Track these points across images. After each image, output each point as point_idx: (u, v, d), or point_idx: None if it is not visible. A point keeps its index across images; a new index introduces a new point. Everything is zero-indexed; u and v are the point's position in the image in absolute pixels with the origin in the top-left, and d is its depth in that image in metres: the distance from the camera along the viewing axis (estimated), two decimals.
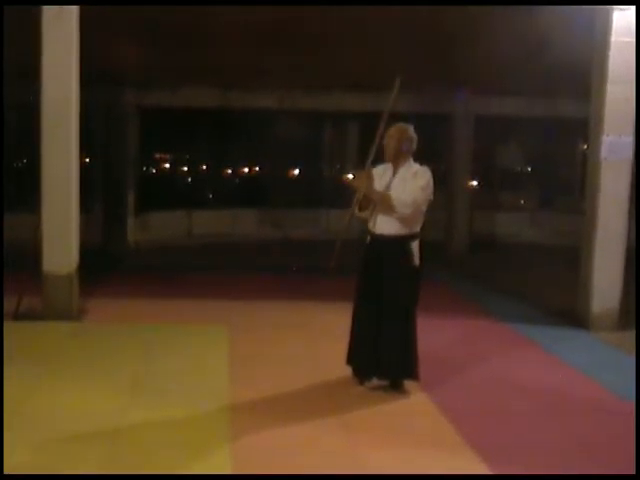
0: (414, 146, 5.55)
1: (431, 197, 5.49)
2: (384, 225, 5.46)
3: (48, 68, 7.42)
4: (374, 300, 5.47)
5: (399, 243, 5.42)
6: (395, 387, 5.53)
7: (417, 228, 5.47)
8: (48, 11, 7.36)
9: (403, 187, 5.40)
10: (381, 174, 5.58)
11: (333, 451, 4.44)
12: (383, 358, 5.46)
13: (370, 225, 5.58)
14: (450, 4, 7.65)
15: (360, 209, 5.57)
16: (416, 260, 5.42)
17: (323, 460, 4.28)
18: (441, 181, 15.69)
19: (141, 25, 9.19)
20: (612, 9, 7.48)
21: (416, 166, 5.51)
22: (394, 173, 5.52)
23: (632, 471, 4.20)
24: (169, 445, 4.44)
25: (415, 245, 5.43)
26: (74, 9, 7.42)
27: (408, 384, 5.55)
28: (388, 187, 5.46)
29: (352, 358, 5.66)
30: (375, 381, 5.58)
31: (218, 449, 4.39)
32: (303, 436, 4.65)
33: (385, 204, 5.37)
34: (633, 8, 7.43)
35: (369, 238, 5.60)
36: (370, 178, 5.47)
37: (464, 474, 4.18)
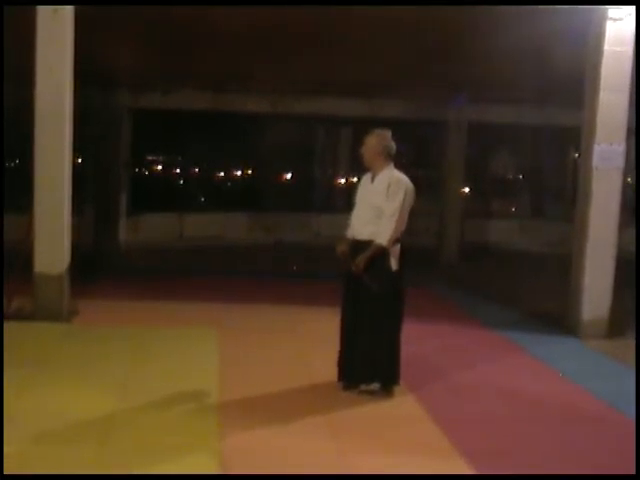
0: (392, 152, 5.56)
1: (412, 203, 5.50)
2: (361, 230, 5.50)
3: (42, 68, 7.41)
4: (355, 305, 5.50)
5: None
6: (383, 390, 5.54)
7: (396, 233, 5.45)
8: (43, 11, 7.35)
9: (377, 193, 5.45)
10: (362, 184, 5.68)
11: (321, 455, 4.44)
12: (362, 362, 5.49)
13: (349, 231, 5.63)
14: (445, 7, 7.65)
15: None
16: (394, 265, 5.40)
17: (311, 464, 4.27)
18: (433, 188, 15.87)
19: (135, 27, 9.19)
20: (605, 19, 7.54)
21: (393, 173, 5.52)
22: (372, 179, 5.58)
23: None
24: (157, 447, 4.44)
25: (394, 250, 5.41)
26: (69, 10, 7.41)
27: (396, 388, 5.56)
28: (366, 196, 5.54)
29: (339, 363, 5.68)
30: (363, 387, 5.57)
31: (206, 451, 4.39)
32: (291, 440, 4.65)
33: (378, 251, 5.36)
34: (625, 18, 7.49)
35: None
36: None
37: (451, 474, 4.21)
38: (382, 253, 5.37)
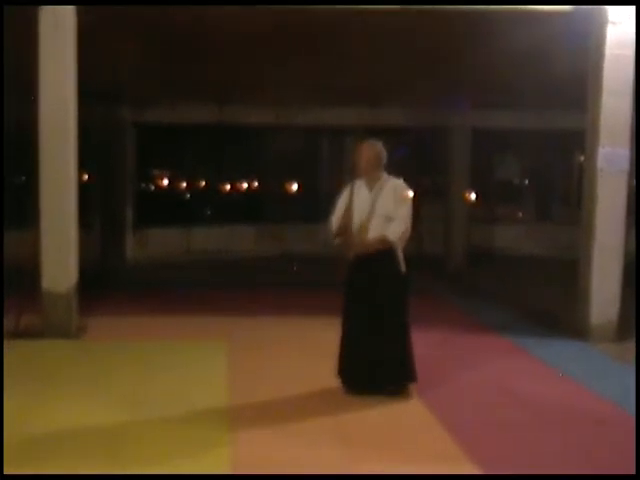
0: (384, 160, 5.76)
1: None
2: (372, 235, 5.61)
3: (45, 84, 7.45)
4: (365, 310, 5.62)
5: (386, 252, 5.60)
6: (399, 391, 5.66)
7: (406, 235, 5.67)
8: (45, 26, 7.39)
9: (383, 201, 5.62)
10: (356, 192, 5.78)
11: (330, 462, 4.44)
12: (380, 365, 5.59)
13: (357, 237, 5.69)
14: (447, 12, 7.63)
15: (338, 235, 5.85)
16: (403, 267, 5.63)
17: (320, 470, 4.28)
18: (438, 194, 15.85)
19: (138, 42, 9.23)
20: (605, 22, 7.55)
21: (392, 180, 5.72)
22: (370, 189, 5.71)
23: None
24: (168, 459, 4.45)
25: (400, 252, 5.64)
26: (71, 25, 7.44)
27: (408, 395, 5.64)
28: (369, 204, 5.64)
29: (343, 369, 5.77)
30: (390, 387, 5.68)
31: (217, 462, 4.39)
32: (301, 449, 4.66)
33: (385, 244, 5.57)
34: (626, 21, 7.51)
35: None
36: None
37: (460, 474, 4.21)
38: (390, 252, 5.56)
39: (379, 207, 5.61)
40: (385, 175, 5.74)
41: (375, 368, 5.62)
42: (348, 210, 5.73)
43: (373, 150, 5.75)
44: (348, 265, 5.73)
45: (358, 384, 5.70)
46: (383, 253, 5.59)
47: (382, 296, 5.59)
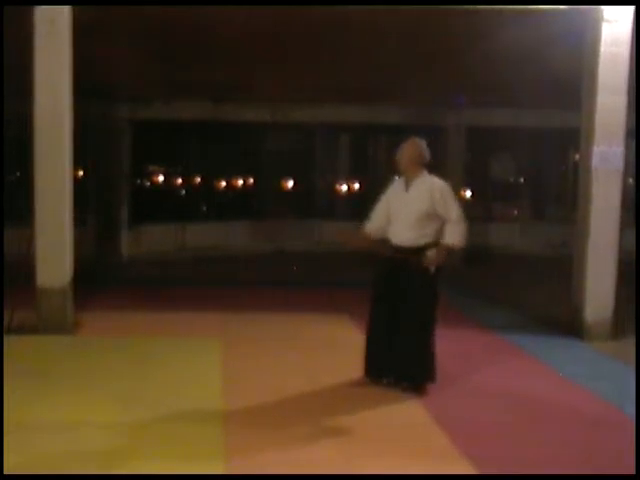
0: (427, 160, 5.77)
1: None
2: (402, 237, 5.68)
3: (41, 81, 7.42)
4: (391, 307, 5.68)
5: (416, 252, 5.62)
6: (415, 389, 5.74)
7: (435, 237, 5.67)
8: (40, 24, 7.37)
9: (420, 200, 5.62)
10: (395, 190, 5.85)
11: (327, 462, 4.43)
12: (400, 362, 5.70)
13: (390, 236, 5.79)
14: (443, 10, 7.62)
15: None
16: (432, 268, 5.62)
17: (316, 470, 4.27)
18: None
19: (134, 39, 9.22)
20: (601, 21, 7.56)
21: (430, 179, 5.72)
22: (407, 187, 5.73)
23: None
24: (162, 458, 4.44)
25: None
26: (66, 22, 7.43)
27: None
28: (404, 203, 5.70)
29: (367, 361, 5.87)
30: (405, 384, 5.76)
31: (212, 462, 4.38)
32: (297, 448, 4.65)
33: (450, 250, 5.67)
34: (621, 20, 7.52)
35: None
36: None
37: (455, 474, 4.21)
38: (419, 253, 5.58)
39: (413, 204, 5.63)
40: (425, 173, 5.74)
41: (393, 364, 5.73)
42: (384, 210, 5.85)
43: (415, 148, 5.74)
44: (377, 264, 5.81)
45: (377, 375, 5.84)
46: (412, 254, 5.61)
47: (406, 298, 5.63)
